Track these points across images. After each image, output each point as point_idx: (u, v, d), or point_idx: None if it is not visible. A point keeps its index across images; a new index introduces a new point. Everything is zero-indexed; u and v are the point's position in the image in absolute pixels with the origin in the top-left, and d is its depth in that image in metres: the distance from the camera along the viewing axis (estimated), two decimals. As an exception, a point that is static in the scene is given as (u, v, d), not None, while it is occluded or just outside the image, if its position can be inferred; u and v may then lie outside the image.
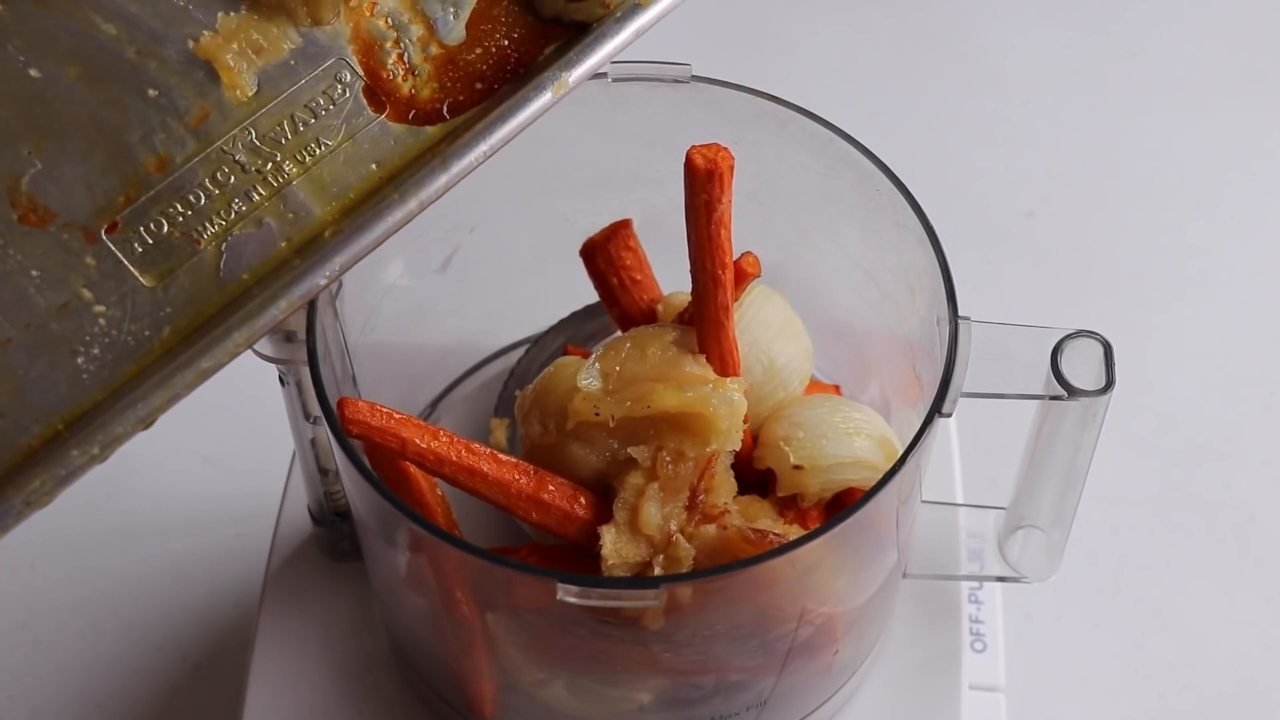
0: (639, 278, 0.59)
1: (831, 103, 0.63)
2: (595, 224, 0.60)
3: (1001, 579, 0.63)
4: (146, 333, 0.47)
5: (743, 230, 0.54)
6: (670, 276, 0.58)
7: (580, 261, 0.60)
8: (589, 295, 0.61)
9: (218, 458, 0.80)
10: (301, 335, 0.52)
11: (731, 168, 0.51)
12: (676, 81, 0.57)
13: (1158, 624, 0.75)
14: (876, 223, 0.57)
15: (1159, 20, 0.99)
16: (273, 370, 0.55)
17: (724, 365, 0.53)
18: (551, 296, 0.65)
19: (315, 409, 0.55)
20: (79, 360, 0.46)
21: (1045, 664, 0.74)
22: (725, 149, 0.51)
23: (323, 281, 0.48)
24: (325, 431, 0.57)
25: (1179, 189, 0.91)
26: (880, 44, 0.98)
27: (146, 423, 0.45)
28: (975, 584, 0.65)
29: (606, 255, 0.59)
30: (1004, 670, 0.64)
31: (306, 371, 0.52)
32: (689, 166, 0.51)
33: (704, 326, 0.53)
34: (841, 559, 0.53)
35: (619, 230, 0.59)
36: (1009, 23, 0.98)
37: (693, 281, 0.53)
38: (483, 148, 0.49)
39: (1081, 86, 0.96)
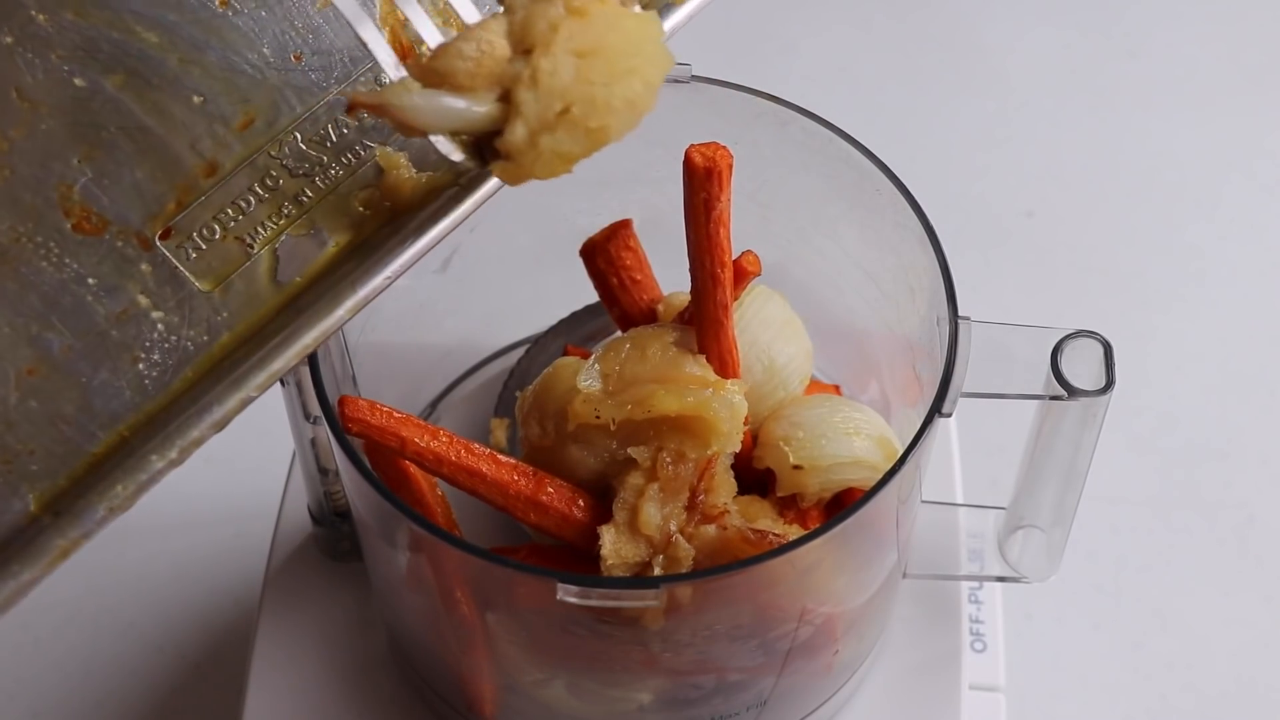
0: (639, 278, 0.59)
1: (831, 103, 0.63)
2: (595, 224, 0.60)
3: (1001, 579, 0.63)
4: (205, 338, 0.47)
5: (743, 230, 0.54)
6: (670, 276, 0.58)
7: (580, 261, 0.60)
8: (589, 295, 0.61)
9: (218, 457, 0.79)
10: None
11: (730, 166, 0.51)
12: (676, 81, 0.57)
13: (1158, 624, 0.75)
14: (876, 223, 0.57)
15: (1159, 20, 0.99)
16: (273, 370, 0.55)
17: (723, 365, 0.53)
18: (551, 296, 0.65)
19: (315, 409, 0.55)
20: (140, 366, 0.46)
21: (1045, 664, 0.74)
22: (724, 147, 0.51)
23: (385, 281, 0.47)
24: (325, 431, 0.57)
25: (1179, 189, 0.91)
26: (880, 44, 0.98)
27: (220, 426, 0.46)
28: (975, 584, 0.65)
29: (606, 255, 0.59)
30: (1004, 670, 0.64)
31: (306, 371, 0.52)
32: (688, 165, 0.51)
33: (703, 325, 0.53)
34: (841, 559, 0.53)
35: (619, 230, 0.59)
36: (1009, 23, 0.98)
37: (692, 280, 0.53)
38: None
39: (1081, 86, 0.96)
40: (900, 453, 0.51)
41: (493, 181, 0.48)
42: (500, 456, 0.52)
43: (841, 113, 0.59)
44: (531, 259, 0.64)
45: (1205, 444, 0.81)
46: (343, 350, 0.56)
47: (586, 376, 0.52)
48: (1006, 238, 0.89)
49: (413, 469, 0.53)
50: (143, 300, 0.47)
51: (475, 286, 0.64)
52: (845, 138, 0.56)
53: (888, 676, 0.62)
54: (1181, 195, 0.91)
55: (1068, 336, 0.53)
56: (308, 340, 0.46)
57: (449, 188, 0.49)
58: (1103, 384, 0.53)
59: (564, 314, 0.65)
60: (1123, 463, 0.80)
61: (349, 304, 0.47)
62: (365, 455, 0.52)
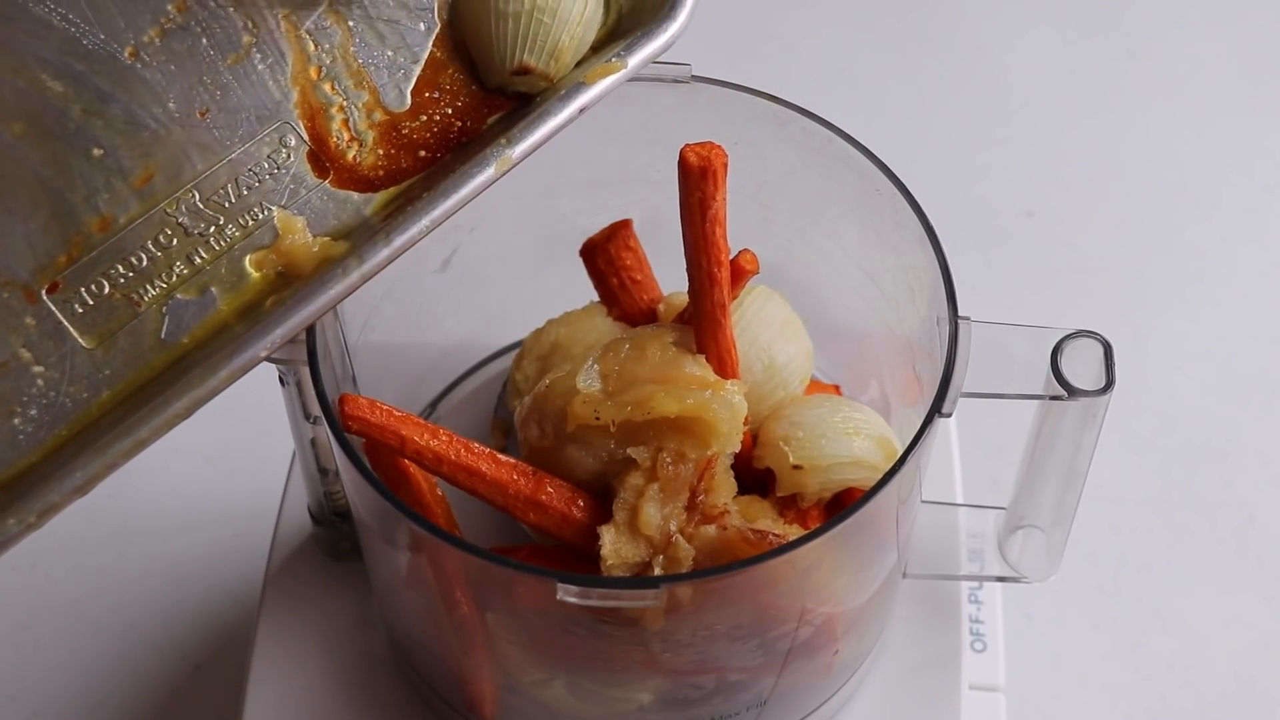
0: (639, 278, 0.59)
1: (831, 103, 0.63)
2: (595, 224, 0.60)
3: (1001, 579, 0.63)
4: (85, 395, 0.47)
5: (743, 230, 0.54)
6: (670, 277, 0.58)
7: (580, 261, 0.60)
8: (589, 295, 0.61)
9: (218, 457, 0.80)
10: (301, 335, 0.52)
11: (725, 165, 0.51)
12: (676, 81, 0.57)
13: (1158, 624, 0.75)
14: (876, 223, 0.57)
15: (1159, 20, 0.99)
16: (273, 370, 0.55)
17: (722, 364, 0.53)
18: (551, 296, 0.65)
19: (315, 409, 0.55)
20: (15, 421, 0.46)
21: (1045, 664, 0.74)
22: (718, 146, 0.51)
23: (263, 352, 0.47)
24: (325, 431, 0.57)
25: (1179, 189, 0.91)
26: (880, 44, 0.98)
27: (83, 491, 0.45)
28: (975, 584, 0.65)
29: (606, 255, 0.59)
30: (1004, 670, 0.64)
31: (306, 371, 0.52)
32: (682, 164, 0.51)
33: (701, 325, 0.53)
34: (841, 559, 0.53)
35: (619, 230, 0.59)
36: (1009, 23, 0.98)
37: (689, 280, 0.53)
38: (424, 222, 0.49)
39: (1081, 86, 0.96)
40: (900, 453, 0.51)
41: (385, 253, 0.48)
42: (500, 456, 0.52)
43: (841, 113, 0.59)
44: (531, 259, 0.64)
45: (1205, 444, 0.81)
46: (343, 350, 0.56)
47: (586, 377, 0.52)
48: (1006, 238, 0.89)
49: (413, 469, 0.53)
50: (24, 354, 0.46)
51: (475, 286, 0.64)
52: (845, 138, 0.56)
53: (888, 676, 0.62)
54: (1181, 195, 0.91)
55: (1068, 336, 0.53)
56: (178, 408, 0.46)
57: (343, 258, 0.49)
58: (1103, 384, 0.53)
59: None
60: (1123, 463, 0.80)
61: (224, 373, 0.46)
62: (365, 455, 0.52)
